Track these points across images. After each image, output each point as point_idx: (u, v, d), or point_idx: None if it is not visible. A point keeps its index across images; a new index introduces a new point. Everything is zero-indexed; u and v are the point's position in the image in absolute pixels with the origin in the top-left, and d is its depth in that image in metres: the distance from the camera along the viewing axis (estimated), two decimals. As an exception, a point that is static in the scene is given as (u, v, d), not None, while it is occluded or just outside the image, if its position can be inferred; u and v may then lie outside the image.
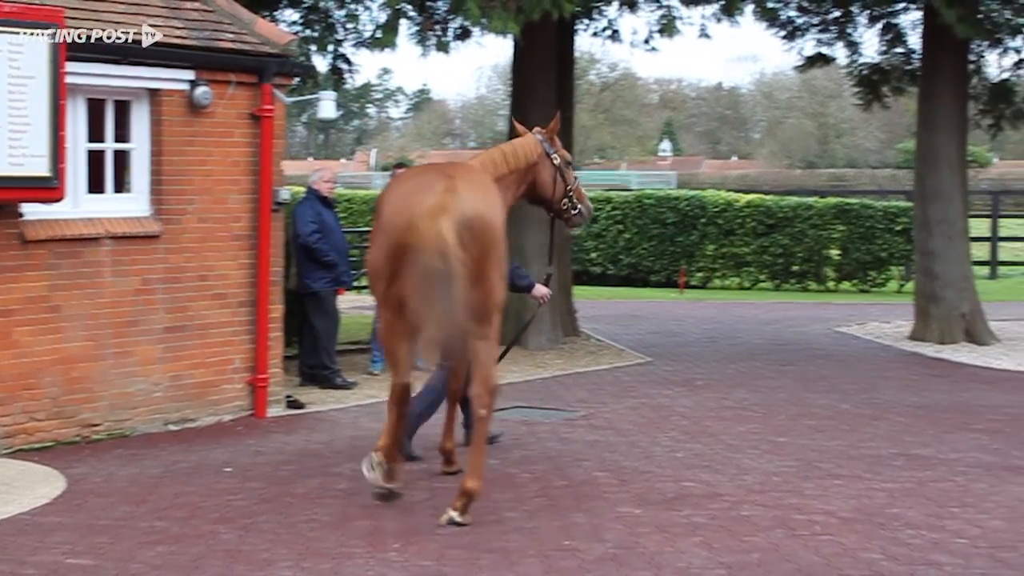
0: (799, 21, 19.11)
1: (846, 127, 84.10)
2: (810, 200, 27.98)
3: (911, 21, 18.76)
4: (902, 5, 18.51)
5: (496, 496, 8.88)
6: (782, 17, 18.93)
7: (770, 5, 18.40)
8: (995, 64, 19.28)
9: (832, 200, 28.01)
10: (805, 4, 18.87)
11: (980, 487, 9.26)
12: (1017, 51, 18.13)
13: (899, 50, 19.06)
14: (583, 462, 10.05)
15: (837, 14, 18.95)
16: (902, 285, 26.81)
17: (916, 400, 13.13)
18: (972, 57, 18.33)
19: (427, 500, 8.81)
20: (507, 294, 8.59)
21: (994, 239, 31.34)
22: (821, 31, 19.20)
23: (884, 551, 7.60)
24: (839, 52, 19.34)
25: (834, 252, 27.51)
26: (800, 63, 19.75)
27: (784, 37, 19.18)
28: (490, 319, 8.29)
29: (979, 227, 30.27)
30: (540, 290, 10.36)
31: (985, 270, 30.12)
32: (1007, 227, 34.07)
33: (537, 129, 9.72)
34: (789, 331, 19.36)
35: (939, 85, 17.72)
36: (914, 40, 18.73)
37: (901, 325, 19.25)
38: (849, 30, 19.11)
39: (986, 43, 17.88)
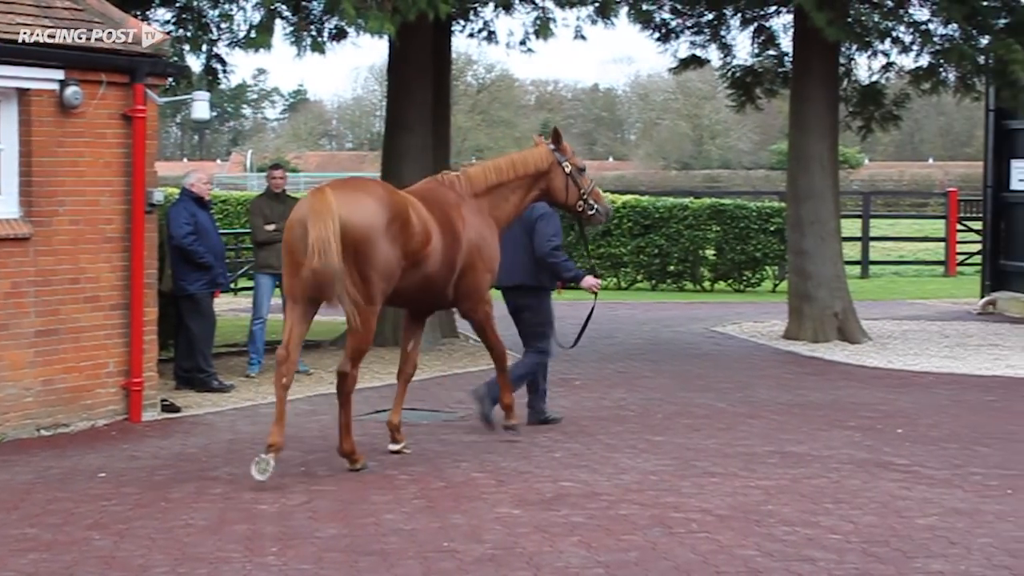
0: (673, 23, 19.28)
1: (720, 129, 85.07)
2: (686, 201, 28.23)
3: (783, 24, 19.03)
4: (774, 8, 18.74)
5: (374, 498, 8.85)
6: (656, 19, 19.07)
7: (644, 7, 18.55)
8: (865, 67, 19.62)
9: (707, 201, 28.29)
10: (679, 7, 19.03)
11: (853, 483, 9.40)
12: (886, 54, 18.47)
13: (771, 53, 19.31)
14: (462, 463, 10.04)
15: (710, 17, 19.14)
16: (776, 285, 27.15)
17: (790, 398, 13.30)
18: (843, 60, 18.62)
19: (305, 503, 8.75)
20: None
21: (865, 239, 31.90)
22: (695, 33, 19.40)
23: (759, 548, 7.68)
24: (713, 54, 19.56)
25: (709, 252, 27.77)
26: (674, 65, 19.94)
27: (658, 39, 19.34)
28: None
29: (851, 227, 30.78)
30: (589, 281, 11.48)
31: (857, 269, 30.64)
32: (877, 227, 34.69)
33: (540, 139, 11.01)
34: (666, 331, 19.53)
35: (811, 87, 17.98)
36: (786, 43, 18.99)
37: (775, 324, 19.50)
38: (722, 32, 19.33)
39: (856, 46, 18.16)
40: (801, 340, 17.76)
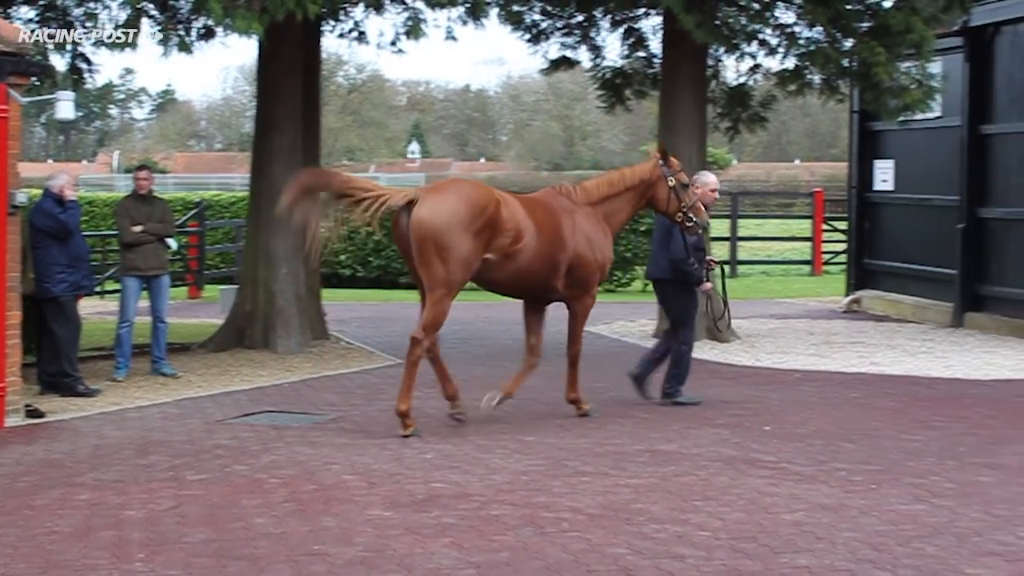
0: (543, 25, 19.35)
1: (591, 129, 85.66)
2: (557, 201, 28.32)
3: (652, 26, 19.18)
4: (643, 10, 18.89)
5: (244, 502, 8.77)
6: (527, 21, 19.14)
7: (514, 9, 18.59)
8: (733, 69, 19.84)
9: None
10: (549, 8, 19.10)
11: (721, 480, 9.51)
12: (753, 56, 18.68)
13: (641, 54, 19.47)
14: (333, 466, 9.99)
15: (580, 18, 19.25)
16: (646, 285, 27.35)
17: (661, 397, 13.41)
18: (711, 62, 18.83)
19: (173, 508, 8.64)
20: None
21: (733, 239, 32.31)
22: (565, 35, 19.49)
23: (630, 546, 7.74)
24: (583, 56, 19.67)
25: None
26: (545, 66, 20.02)
27: (529, 40, 19.41)
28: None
29: (719, 227, 31.16)
30: (705, 286, 12.97)
31: (726, 269, 30.90)
32: (746, 227, 35.15)
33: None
34: (537, 331, 19.53)
35: (679, 89, 18.14)
36: (656, 45, 19.16)
37: (646, 324, 19.66)
38: (592, 34, 19.45)
39: (723, 49, 18.36)
40: (668, 340, 17.89)
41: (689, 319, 12.98)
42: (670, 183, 12.22)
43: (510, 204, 11.50)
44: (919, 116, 18.61)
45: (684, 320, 12.99)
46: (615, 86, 19.61)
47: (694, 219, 12.33)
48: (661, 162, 12.28)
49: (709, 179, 13.15)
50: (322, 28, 18.13)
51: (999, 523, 8.29)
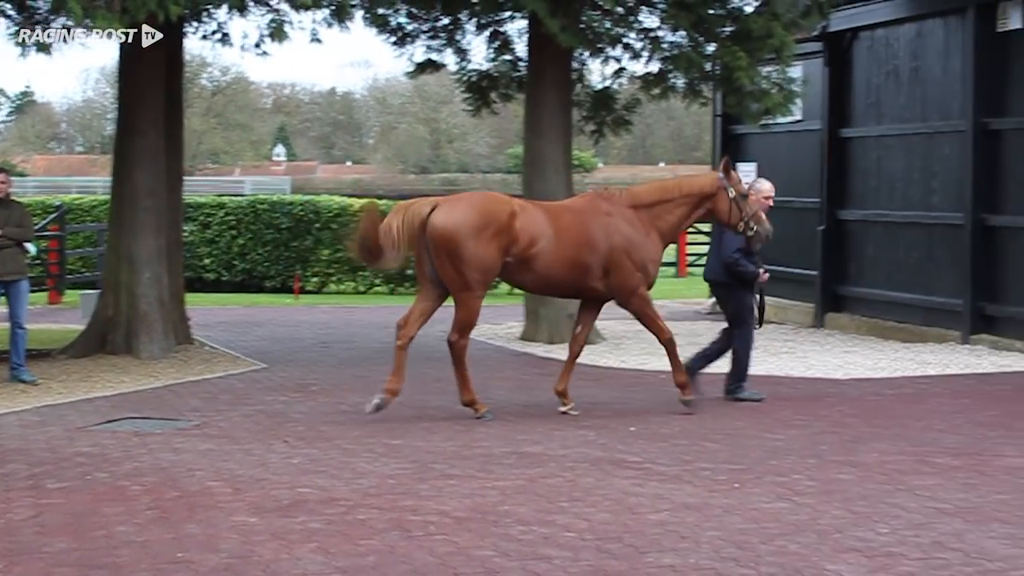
0: (409, 27, 19.30)
1: (458, 132, 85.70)
2: (423, 204, 28.29)
3: (517, 29, 19.23)
4: (508, 14, 18.94)
5: (106, 510, 8.64)
6: (392, 23, 19.07)
7: (380, 11, 18.51)
8: (597, 72, 19.98)
9: (445, 204, 28.38)
10: (414, 11, 19.06)
11: (587, 481, 9.57)
12: (617, 60, 18.82)
13: (507, 57, 19.51)
14: (196, 472, 9.87)
15: (446, 21, 19.24)
16: (512, 288, 27.34)
17: (527, 399, 13.47)
18: (576, 65, 18.93)
19: (33, 518, 8.48)
20: None
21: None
22: (431, 38, 19.46)
23: (496, 548, 7.76)
24: (449, 59, 19.66)
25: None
26: (411, 69, 19.97)
27: (395, 43, 19.36)
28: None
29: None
30: (762, 277, 13.24)
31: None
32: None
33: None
34: (404, 334, 19.47)
35: (545, 92, 18.23)
36: (521, 48, 19.21)
37: (513, 327, 19.71)
38: (458, 37, 19.44)
39: (588, 52, 18.49)
40: (537, 342, 18.00)
41: (745, 318, 13.33)
42: (731, 195, 12.57)
43: (528, 212, 12.23)
44: (780, 120, 18.90)
45: (740, 319, 13.35)
46: (481, 89, 19.64)
47: (755, 228, 12.67)
48: (722, 176, 12.65)
49: (764, 186, 13.39)
50: (185, 29, 17.88)
51: (859, 519, 8.44)
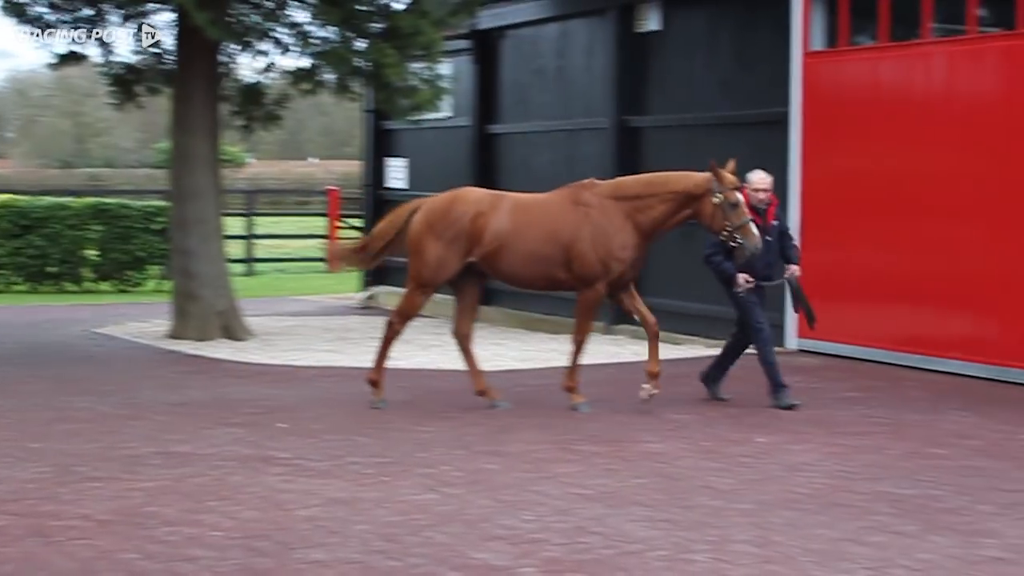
0: (50, 18, 18.62)
1: (103, 126, 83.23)
2: (66, 200, 27.44)
3: (165, 22, 18.81)
4: (155, 6, 18.51)
5: None
6: (31, 13, 18.37)
7: (18, 0, 17.83)
8: (247, 67, 19.75)
9: (90, 200, 27.57)
10: (56, 1, 18.43)
11: (236, 479, 9.45)
12: (266, 55, 18.64)
13: (154, 50, 19.05)
14: None
15: (90, 12, 18.66)
16: (160, 284, 26.86)
17: (175, 398, 13.21)
18: (225, 59, 18.66)
19: None
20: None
21: (250, 237, 32.21)
22: (73, 29, 18.83)
23: (141, 550, 7.58)
24: (93, 51, 19.07)
25: (92, 253, 27.08)
26: (53, 61, 19.28)
27: (35, 34, 18.66)
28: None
29: (236, 225, 31.02)
30: (739, 278, 12.34)
31: (242, 267, 30.90)
32: (262, 225, 35.07)
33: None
34: (45, 334, 18.88)
35: (193, 86, 17.90)
36: (169, 41, 18.80)
37: (160, 324, 19.28)
38: (101, 29, 18.88)
39: (238, 46, 18.25)
40: (186, 339, 17.66)
41: (750, 319, 12.51)
42: (715, 200, 11.88)
43: (498, 210, 12.34)
44: (430, 116, 19.09)
45: (747, 321, 12.59)
46: (126, 82, 19.11)
47: (741, 241, 11.86)
48: (715, 178, 11.94)
49: (753, 177, 12.57)
50: None
51: (504, 508, 8.60)
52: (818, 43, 15.62)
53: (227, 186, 20.26)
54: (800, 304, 12.65)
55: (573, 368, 12.59)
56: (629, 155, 18.33)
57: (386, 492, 9.06)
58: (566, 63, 19.75)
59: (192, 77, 17.89)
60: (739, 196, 11.97)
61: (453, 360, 16.08)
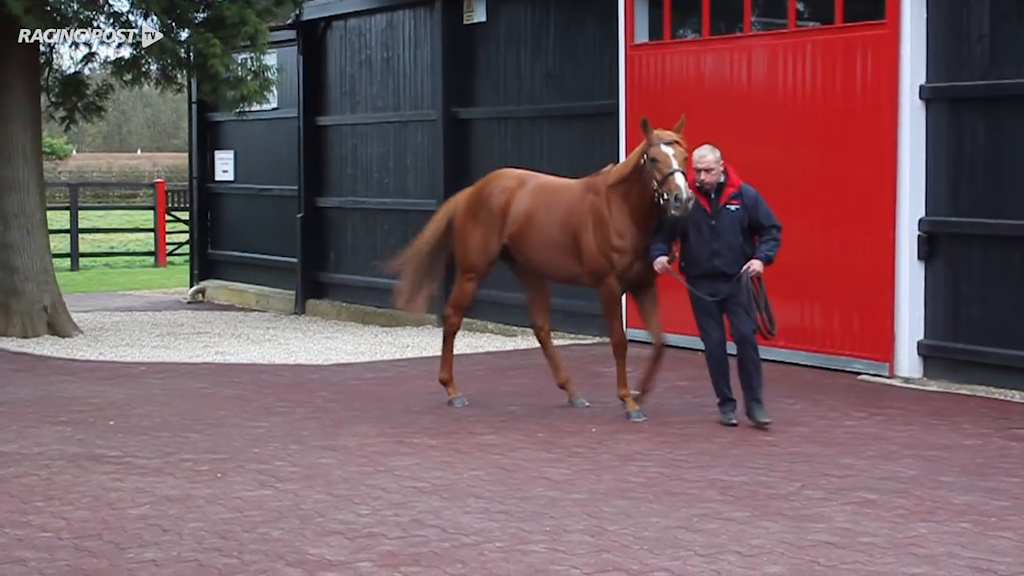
0: None
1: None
2: None
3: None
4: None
5: None
6: None
7: None
8: (68, 57, 19.33)
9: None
10: None
11: (65, 479, 9.28)
12: (88, 44, 18.27)
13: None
14: None
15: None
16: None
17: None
18: (44, 49, 18.26)
19: None
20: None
21: (75, 231, 31.62)
22: None
23: (-33, 554, 7.41)
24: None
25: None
26: None
27: None
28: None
29: (59, 219, 30.43)
30: (658, 261, 11.00)
31: (67, 262, 30.33)
32: (87, 218, 34.50)
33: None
34: None
35: (11, 76, 17.48)
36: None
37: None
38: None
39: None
40: (10, 336, 17.26)
41: (698, 322, 11.10)
42: (643, 160, 10.86)
43: (526, 191, 11.79)
44: (257, 108, 18.91)
45: (698, 320, 11.14)
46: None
47: (667, 197, 10.61)
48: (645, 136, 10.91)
49: (695, 155, 10.90)
50: None
51: (340, 502, 8.57)
52: (643, 36, 15.81)
53: (50, 179, 19.83)
54: (758, 308, 10.84)
55: (620, 375, 11.47)
56: (458, 147, 18.37)
57: (219, 489, 8.97)
58: (393, 54, 19.71)
59: (10, 66, 17.46)
60: (665, 150, 10.72)
61: (287, 354, 16.03)
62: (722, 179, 10.86)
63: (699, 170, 10.82)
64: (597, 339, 15.52)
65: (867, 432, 10.73)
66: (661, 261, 10.97)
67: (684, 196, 10.52)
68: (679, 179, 10.60)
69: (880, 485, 8.92)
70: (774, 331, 10.96)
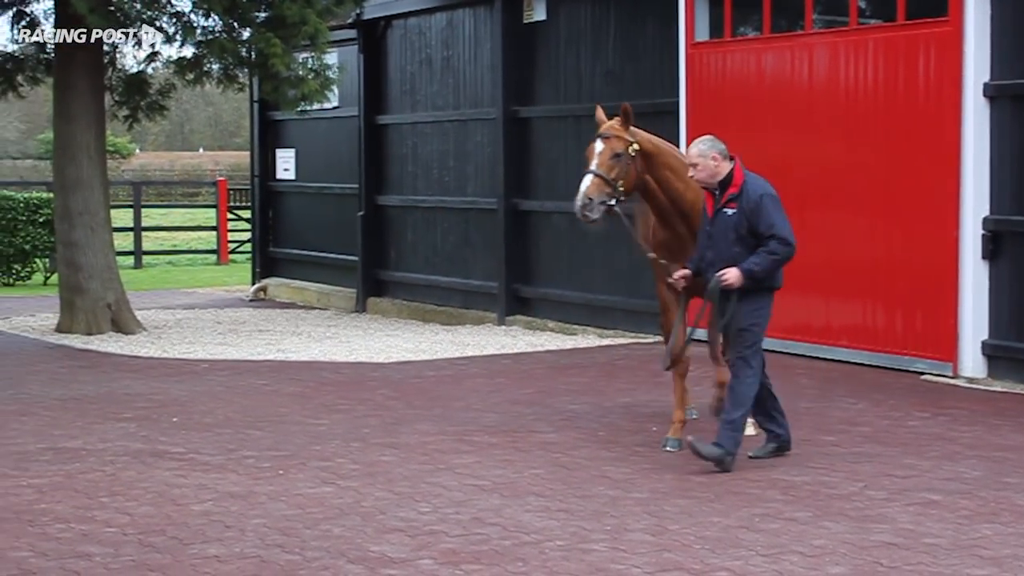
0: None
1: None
2: (-51, 193, 26.99)
3: (44, 10, 18.53)
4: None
5: None
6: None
7: None
8: (131, 56, 19.50)
9: (-28, 193, 27.16)
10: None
11: (129, 475, 9.35)
12: (151, 44, 18.41)
13: (35, 39, 18.76)
14: None
15: (-35, 2, 18.34)
16: (48, 277, 26.50)
17: (64, 392, 13.02)
18: (108, 48, 18.42)
19: None
20: None
21: (138, 229, 31.86)
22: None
23: (33, 548, 7.48)
24: (-29, 39, 18.73)
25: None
26: (-74, 50, 18.92)
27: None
28: None
29: (122, 217, 30.68)
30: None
31: (130, 260, 30.58)
32: (150, 216, 34.77)
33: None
34: (-72, 329, 18.54)
35: (75, 76, 17.65)
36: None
37: (48, 318, 19.02)
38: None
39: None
40: (74, 333, 17.43)
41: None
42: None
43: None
44: (317, 106, 18.98)
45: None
46: (6, 72, 18.79)
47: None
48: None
49: (689, 151, 9.73)
50: None
51: (401, 500, 8.60)
52: (703, 34, 15.75)
53: (114, 177, 20.02)
54: (720, 322, 9.43)
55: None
56: (518, 145, 18.36)
57: (281, 485, 9.02)
58: (453, 53, 19.74)
59: (74, 66, 17.63)
60: (592, 146, 9.81)
61: (348, 351, 16.09)
62: (722, 176, 9.40)
63: (693, 164, 9.50)
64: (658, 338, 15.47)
65: (930, 432, 10.64)
66: (681, 273, 9.83)
67: (577, 204, 9.65)
68: (583, 182, 9.69)
69: (944, 486, 8.85)
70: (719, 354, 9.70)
